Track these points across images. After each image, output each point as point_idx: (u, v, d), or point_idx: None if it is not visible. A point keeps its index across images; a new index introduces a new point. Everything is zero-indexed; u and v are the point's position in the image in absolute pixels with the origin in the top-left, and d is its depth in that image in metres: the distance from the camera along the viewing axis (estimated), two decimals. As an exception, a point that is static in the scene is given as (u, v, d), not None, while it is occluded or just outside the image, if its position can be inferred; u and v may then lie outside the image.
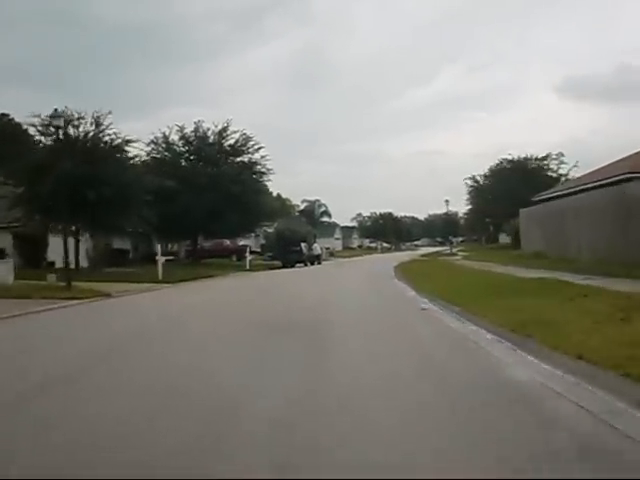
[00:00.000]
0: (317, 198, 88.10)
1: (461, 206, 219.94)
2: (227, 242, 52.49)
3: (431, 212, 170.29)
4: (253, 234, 64.50)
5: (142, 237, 47.18)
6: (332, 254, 72.06)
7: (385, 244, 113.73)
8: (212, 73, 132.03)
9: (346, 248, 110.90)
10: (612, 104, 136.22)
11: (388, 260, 49.06)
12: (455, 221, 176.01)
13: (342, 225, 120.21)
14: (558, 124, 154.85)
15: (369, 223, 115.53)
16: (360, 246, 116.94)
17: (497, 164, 58.23)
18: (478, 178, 58.66)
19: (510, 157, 55.93)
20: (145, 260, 37.51)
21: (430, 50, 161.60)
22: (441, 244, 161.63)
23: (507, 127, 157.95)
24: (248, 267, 39.30)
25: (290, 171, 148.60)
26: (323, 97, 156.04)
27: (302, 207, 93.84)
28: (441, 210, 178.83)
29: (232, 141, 43.69)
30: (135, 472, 3.63)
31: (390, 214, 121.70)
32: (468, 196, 60.31)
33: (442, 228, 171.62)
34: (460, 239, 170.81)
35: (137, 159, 40.30)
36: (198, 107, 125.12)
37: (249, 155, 43.81)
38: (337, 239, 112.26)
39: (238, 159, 43.76)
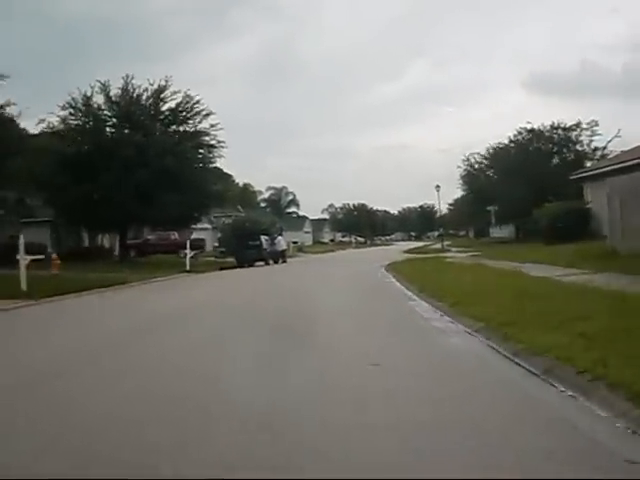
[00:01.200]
0: (284, 185, 77.78)
1: (441, 197, 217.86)
2: (174, 235, 42.85)
3: (405, 205, 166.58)
4: (210, 225, 55.18)
5: (69, 228, 37.31)
6: (301, 249, 62.55)
7: (359, 238, 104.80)
8: (182, 67, 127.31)
9: (317, 242, 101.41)
10: (578, 100, 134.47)
11: (368, 258, 39.93)
12: (432, 214, 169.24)
13: (312, 218, 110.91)
14: (525, 119, 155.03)
15: (341, 215, 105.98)
16: (332, 240, 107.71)
17: (514, 136, 47.23)
18: (476, 158, 49.58)
19: (530, 126, 45.30)
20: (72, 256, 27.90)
21: (398, 45, 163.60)
22: (416, 238, 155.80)
23: (474, 122, 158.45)
24: (188, 267, 29.50)
25: (259, 165, 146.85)
26: (292, 92, 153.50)
27: (267, 195, 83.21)
28: (415, 204, 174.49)
29: (172, 104, 33.75)
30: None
31: (364, 206, 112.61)
32: (461, 182, 51.22)
33: (418, 222, 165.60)
34: (436, 233, 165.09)
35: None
36: None
37: (193, 122, 33.90)
38: (307, 233, 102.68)
39: (179, 127, 33.81)
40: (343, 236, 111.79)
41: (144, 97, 33.42)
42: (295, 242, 65.20)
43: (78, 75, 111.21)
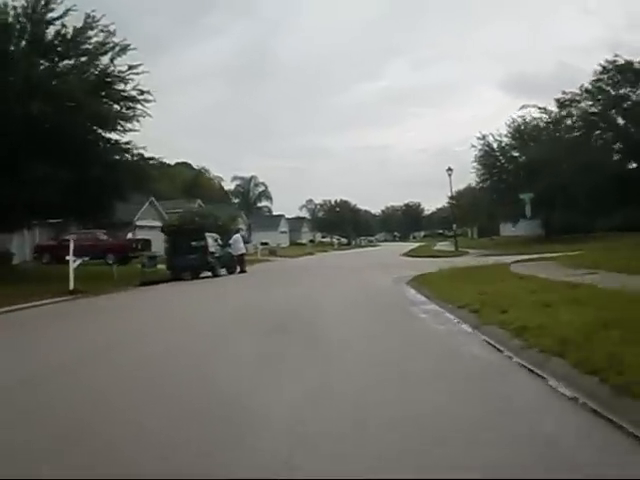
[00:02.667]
0: (253, 174, 64.54)
1: (427, 197, 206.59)
2: (102, 235, 31.33)
3: (389, 204, 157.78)
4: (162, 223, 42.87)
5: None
6: (274, 252, 50.62)
7: (342, 239, 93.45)
8: (158, 68, 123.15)
9: (294, 244, 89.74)
10: (552, 100, 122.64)
11: (361, 264, 28.36)
12: (417, 213, 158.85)
13: (289, 217, 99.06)
14: (502, 120, 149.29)
15: (322, 213, 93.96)
16: (312, 241, 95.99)
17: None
18: (495, 136, 38.38)
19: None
20: None
21: (376, 45, 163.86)
22: (401, 239, 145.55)
23: (453, 122, 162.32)
24: (72, 286, 17.52)
25: (237, 166, 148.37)
26: (270, 92, 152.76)
27: (232, 187, 69.54)
28: (398, 202, 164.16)
29: (62, 29, 21.54)
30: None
31: (347, 203, 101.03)
32: (478, 166, 39.79)
33: (402, 222, 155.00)
34: (422, 233, 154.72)
35: None
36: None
37: (96, 58, 21.80)
38: (283, 233, 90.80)
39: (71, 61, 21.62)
40: (323, 236, 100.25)
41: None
42: (264, 243, 53.25)
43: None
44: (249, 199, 62.41)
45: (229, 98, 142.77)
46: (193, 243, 23.59)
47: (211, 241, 24.54)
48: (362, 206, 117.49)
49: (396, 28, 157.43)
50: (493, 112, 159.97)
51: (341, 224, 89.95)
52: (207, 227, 29.65)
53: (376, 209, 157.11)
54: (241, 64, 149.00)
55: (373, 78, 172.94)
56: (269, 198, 64.62)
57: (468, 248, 39.67)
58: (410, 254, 38.90)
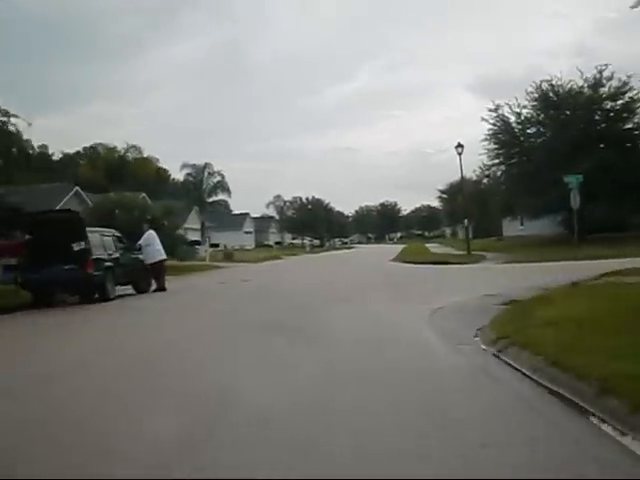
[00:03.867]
0: (207, 161, 53.11)
1: (401, 199, 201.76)
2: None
3: (363, 204, 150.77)
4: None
5: None
6: (230, 256, 41.01)
7: (314, 240, 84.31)
8: (132, 69, 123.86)
9: (262, 246, 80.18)
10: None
11: (348, 277, 19.74)
12: (394, 213, 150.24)
13: (256, 216, 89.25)
14: (472, 123, 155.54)
15: (292, 212, 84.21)
16: (279, 243, 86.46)
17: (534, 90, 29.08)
18: (513, 109, 29.34)
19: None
20: None
21: (349, 48, 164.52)
22: (376, 240, 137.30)
23: (424, 125, 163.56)
24: None
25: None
26: (242, 94, 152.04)
27: (181, 177, 57.47)
28: (373, 203, 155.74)
29: None
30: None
31: (320, 201, 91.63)
32: (492, 146, 30.69)
33: (378, 222, 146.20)
34: (399, 234, 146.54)
35: None
36: (119, 104, 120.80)
37: None
38: (248, 233, 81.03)
39: None
40: (294, 238, 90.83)
41: None
42: (214, 245, 43.58)
43: (20, 76, 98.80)
44: (201, 191, 51.89)
45: (200, 100, 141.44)
46: (65, 248, 13.92)
47: (99, 240, 14.87)
48: (336, 208, 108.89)
49: (369, 31, 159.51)
50: (464, 115, 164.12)
51: (313, 224, 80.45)
52: (121, 222, 20.04)
53: (349, 210, 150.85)
54: (213, 65, 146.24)
55: (346, 80, 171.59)
56: (227, 190, 54.10)
57: (478, 251, 30.67)
58: (403, 259, 29.79)
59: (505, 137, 30.26)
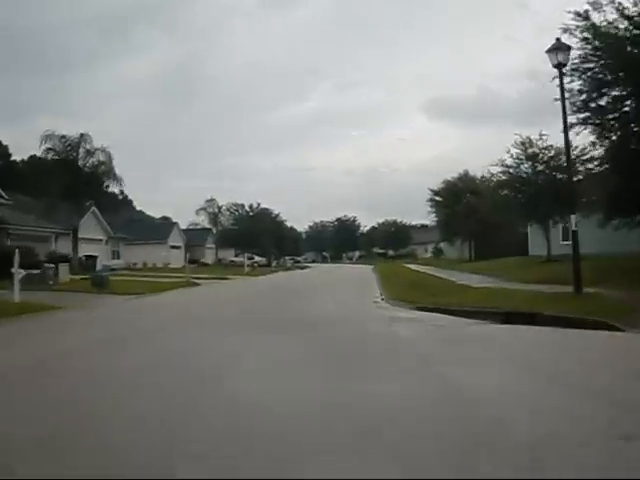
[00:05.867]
0: (83, 132, 34.15)
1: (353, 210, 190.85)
2: None
3: (317, 220, 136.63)
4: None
5: None
6: (102, 284, 24.44)
7: (257, 258, 68.21)
8: (84, 83, 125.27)
9: (196, 262, 63.64)
10: (477, 125, 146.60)
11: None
12: (353, 229, 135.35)
13: (192, 227, 72.53)
14: (426, 143, 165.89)
15: (232, 221, 67.18)
16: (221, 260, 69.98)
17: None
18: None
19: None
20: None
21: (303, 67, 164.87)
22: (333, 259, 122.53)
23: (378, 145, 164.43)
24: None
25: (163, 188, 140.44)
26: (195, 111, 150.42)
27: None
28: (328, 218, 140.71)
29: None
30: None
31: (267, 211, 75.51)
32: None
33: (335, 240, 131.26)
34: (357, 253, 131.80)
35: None
36: (70, 117, 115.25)
37: None
38: (175, 247, 64.16)
39: None
40: (237, 254, 74.23)
41: None
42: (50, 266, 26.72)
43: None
44: (80, 174, 34.18)
45: (152, 116, 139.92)
46: None
47: None
48: (288, 224, 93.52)
49: (324, 50, 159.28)
50: (417, 135, 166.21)
51: (257, 238, 64.30)
52: None
53: (304, 227, 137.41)
54: (165, 82, 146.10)
55: (300, 99, 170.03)
56: (115, 179, 36.47)
57: (560, 283, 15.14)
58: (411, 300, 14.44)
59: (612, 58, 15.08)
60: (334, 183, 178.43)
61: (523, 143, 26.64)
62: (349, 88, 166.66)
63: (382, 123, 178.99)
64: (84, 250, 41.18)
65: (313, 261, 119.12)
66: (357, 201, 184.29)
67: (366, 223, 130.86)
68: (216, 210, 63.69)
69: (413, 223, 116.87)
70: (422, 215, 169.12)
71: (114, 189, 38.31)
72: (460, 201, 41.09)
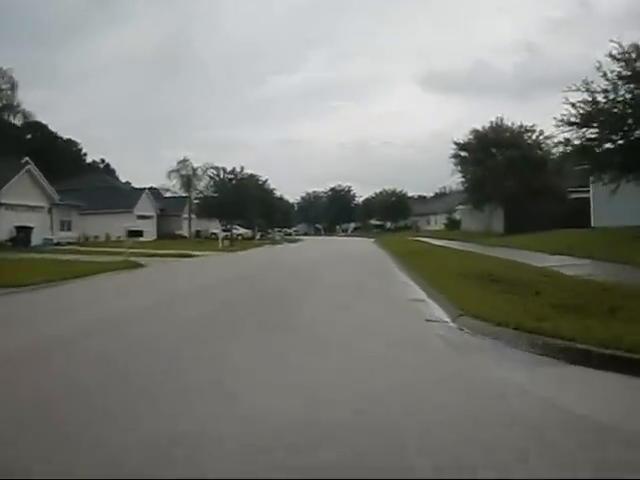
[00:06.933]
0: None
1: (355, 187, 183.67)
2: None
3: (310, 190, 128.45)
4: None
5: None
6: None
7: (239, 229, 59.61)
8: (67, 56, 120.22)
9: (168, 236, 54.95)
10: (471, 97, 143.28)
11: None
12: (347, 200, 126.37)
13: (169, 196, 63.57)
14: (420, 116, 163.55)
15: (213, 189, 57.92)
16: (200, 233, 61.26)
17: None
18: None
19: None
20: None
21: (295, 38, 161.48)
22: (327, 232, 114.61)
23: (372, 116, 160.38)
24: None
25: (154, 157, 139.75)
26: (187, 84, 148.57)
27: None
28: (321, 188, 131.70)
29: None
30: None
31: (254, 177, 66.55)
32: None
33: (329, 211, 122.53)
34: (353, 225, 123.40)
35: None
36: (54, 90, 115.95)
37: None
38: (144, 218, 55.20)
39: None
40: (225, 226, 64.85)
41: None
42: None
43: None
44: None
45: (144, 89, 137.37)
46: None
47: None
48: (278, 193, 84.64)
49: (315, 21, 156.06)
50: (412, 108, 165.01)
51: (242, 208, 55.41)
52: None
53: (295, 199, 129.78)
54: (156, 55, 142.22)
55: (291, 71, 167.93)
56: (16, 111, 27.14)
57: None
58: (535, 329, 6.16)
59: None
60: (327, 155, 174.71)
61: (625, 56, 17.83)
62: (342, 59, 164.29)
63: (375, 95, 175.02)
64: (12, 219, 32.43)
65: (305, 233, 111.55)
66: (350, 173, 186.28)
67: (361, 194, 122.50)
68: (190, 172, 54.27)
69: (410, 194, 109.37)
70: (417, 187, 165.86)
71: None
72: (493, 156, 32.30)
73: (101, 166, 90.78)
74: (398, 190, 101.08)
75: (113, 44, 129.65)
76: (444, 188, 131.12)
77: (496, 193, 31.62)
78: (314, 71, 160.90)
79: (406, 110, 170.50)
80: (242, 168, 57.52)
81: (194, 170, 54.19)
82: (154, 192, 64.81)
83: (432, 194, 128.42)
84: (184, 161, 53.99)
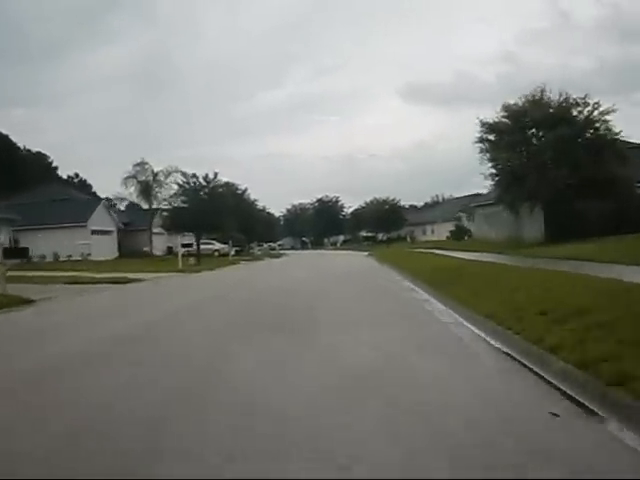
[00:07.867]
0: None
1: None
2: None
3: (296, 202, 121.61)
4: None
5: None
6: None
7: (214, 244, 52.11)
8: (53, 73, 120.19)
9: (132, 253, 47.16)
10: (453, 109, 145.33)
11: None
12: (336, 211, 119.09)
13: (137, 208, 55.83)
14: (404, 128, 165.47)
15: (184, 199, 49.99)
16: (170, 251, 53.25)
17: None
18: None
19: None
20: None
21: (278, 53, 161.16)
22: (314, 245, 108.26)
23: (356, 130, 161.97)
24: None
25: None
26: (170, 100, 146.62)
27: None
28: (308, 200, 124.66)
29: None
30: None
31: (231, 185, 59.16)
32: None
33: (317, 223, 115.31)
34: (342, 238, 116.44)
35: None
36: (39, 108, 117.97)
37: None
38: (103, 232, 47.34)
39: None
40: (188, 243, 56.95)
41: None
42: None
43: None
44: None
45: (127, 106, 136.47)
46: None
47: None
48: (260, 204, 77.35)
49: (297, 36, 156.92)
50: (394, 120, 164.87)
51: (218, 220, 47.79)
52: None
53: (281, 211, 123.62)
54: (139, 72, 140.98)
55: (276, 86, 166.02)
56: None
57: None
58: None
59: None
60: (312, 169, 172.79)
61: None
62: (325, 73, 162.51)
63: (359, 108, 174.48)
64: None
65: (292, 247, 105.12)
66: (337, 187, 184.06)
67: (349, 205, 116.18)
68: (150, 178, 46.14)
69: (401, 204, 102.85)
70: (406, 197, 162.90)
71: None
72: (533, 139, 24.65)
73: (75, 181, 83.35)
74: (390, 199, 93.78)
75: (96, 61, 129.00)
76: (436, 197, 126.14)
77: (542, 188, 23.78)
78: (298, 86, 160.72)
79: (390, 122, 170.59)
80: (216, 175, 49.86)
81: (154, 175, 46.11)
82: (116, 204, 57.10)
83: (422, 203, 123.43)
84: (142, 164, 45.70)
